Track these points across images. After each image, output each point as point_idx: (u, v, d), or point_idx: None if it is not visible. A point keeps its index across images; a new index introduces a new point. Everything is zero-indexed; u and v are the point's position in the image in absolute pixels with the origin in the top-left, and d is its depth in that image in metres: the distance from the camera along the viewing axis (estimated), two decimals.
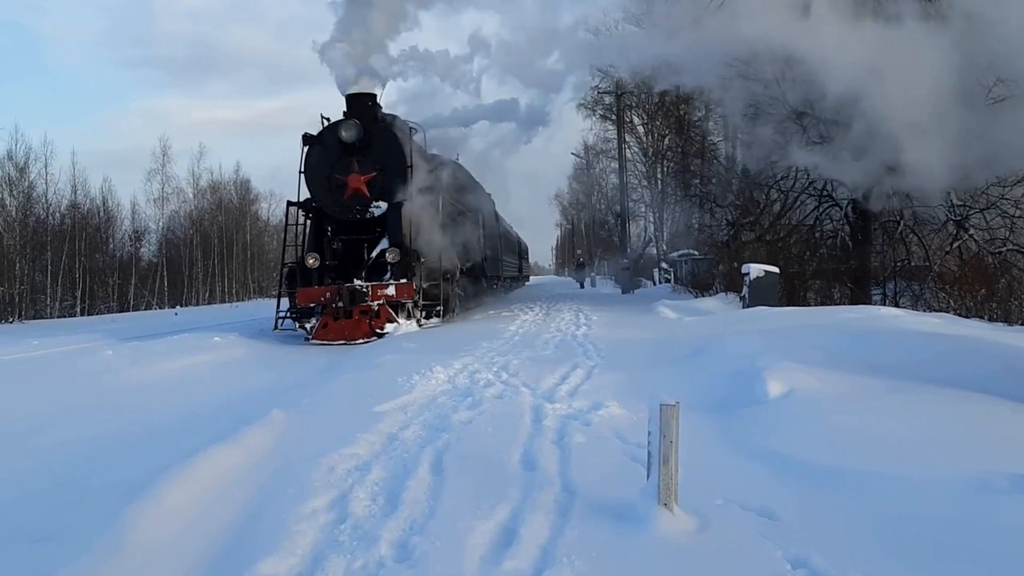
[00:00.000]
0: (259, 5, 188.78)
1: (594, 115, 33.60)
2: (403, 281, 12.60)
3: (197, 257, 40.90)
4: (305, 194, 13.50)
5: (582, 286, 40.01)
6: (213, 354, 10.36)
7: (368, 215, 13.09)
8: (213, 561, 3.11)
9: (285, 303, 13.19)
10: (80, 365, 9.28)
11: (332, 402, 6.14)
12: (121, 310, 32.71)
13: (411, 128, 13.87)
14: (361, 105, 13.15)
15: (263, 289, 45.67)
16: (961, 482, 3.44)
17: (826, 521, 3.32)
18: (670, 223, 32.44)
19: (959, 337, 6.96)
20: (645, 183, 34.24)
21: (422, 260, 13.20)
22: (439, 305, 13.95)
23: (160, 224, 38.71)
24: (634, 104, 31.26)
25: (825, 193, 15.12)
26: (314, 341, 12.20)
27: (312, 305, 12.51)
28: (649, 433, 3.33)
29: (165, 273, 37.52)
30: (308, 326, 12.60)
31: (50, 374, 8.88)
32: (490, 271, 22.10)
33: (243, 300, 42.22)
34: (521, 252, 40.13)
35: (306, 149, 13.29)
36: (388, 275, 12.84)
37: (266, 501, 3.73)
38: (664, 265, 28.88)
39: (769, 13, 9.83)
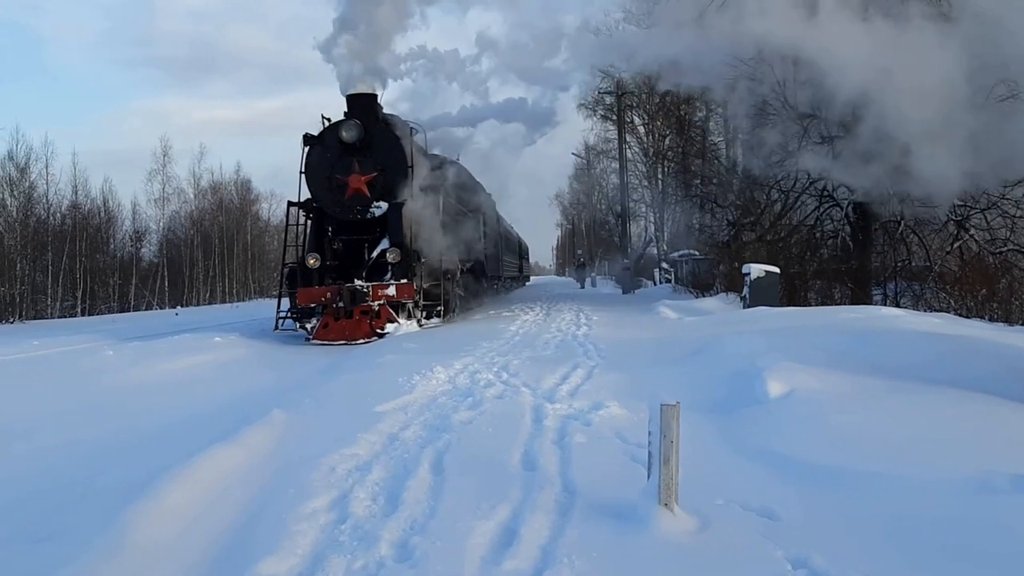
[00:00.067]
0: (260, 5, 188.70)
1: (595, 115, 33.66)
2: (404, 281, 12.60)
3: (198, 257, 40.91)
4: (306, 194, 13.52)
5: (582, 286, 39.99)
6: (214, 354, 10.36)
7: (369, 215, 13.10)
8: (214, 561, 3.12)
9: (286, 303, 13.19)
10: (81, 365, 9.29)
11: (333, 402, 6.14)
12: (122, 310, 32.71)
13: (412, 128, 13.88)
14: (362, 105, 13.15)
15: (264, 289, 45.66)
16: (962, 482, 3.44)
17: (827, 521, 3.32)
18: (671, 223, 32.43)
19: (960, 337, 6.95)
20: (646, 183, 34.23)
21: (423, 260, 13.20)
22: (439, 305, 13.95)
23: (161, 224, 38.76)
24: (635, 104, 31.27)
25: (826, 193, 15.11)
26: (315, 341, 12.20)
27: (313, 305, 12.52)
28: (650, 433, 3.33)
29: (166, 273, 37.53)
30: (309, 326, 12.60)
31: (51, 374, 8.88)
32: (491, 271, 22.10)
33: (244, 300, 42.20)
34: (521, 252, 40.14)
35: (307, 149, 13.30)
36: (389, 275, 12.85)
37: (267, 501, 3.73)
38: (665, 265, 28.87)
39: (776, 12, 9.76)
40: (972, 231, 13.74)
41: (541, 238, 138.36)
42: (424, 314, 13.39)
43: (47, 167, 30.95)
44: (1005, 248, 13.22)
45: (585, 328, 12.29)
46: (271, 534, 3.27)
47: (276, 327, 13.12)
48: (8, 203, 29.11)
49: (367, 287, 12.37)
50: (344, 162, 13.03)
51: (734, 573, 2.88)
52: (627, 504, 3.40)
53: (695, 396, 5.77)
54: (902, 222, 14.34)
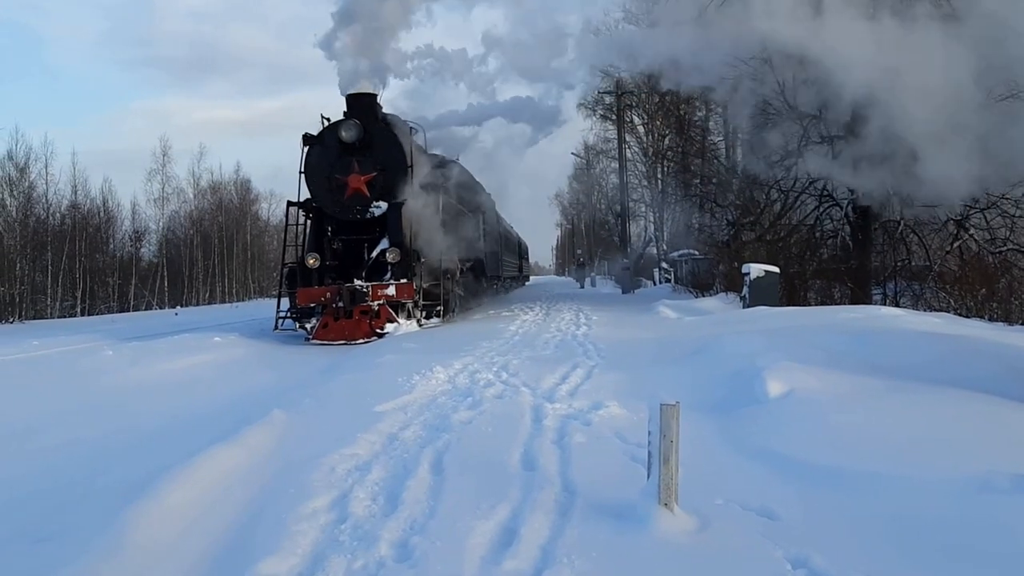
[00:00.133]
0: (260, 5, 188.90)
1: (594, 115, 33.64)
2: (403, 281, 12.60)
3: (197, 257, 40.91)
4: (305, 194, 13.52)
5: (582, 286, 40.01)
6: (214, 354, 10.36)
7: (368, 215, 13.10)
8: (214, 561, 3.12)
9: (285, 303, 13.19)
10: (80, 365, 9.29)
11: (332, 402, 6.14)
12: (121, 310, 32.71)
13: (411, 128, 13.88)
14: (361, 105, 13.14)
15: (263, 289, 45.67)
16: (962, 482, 3.44)
17: (827, 521, 3.32)
18: (670, 223, 32.43)
19: (960, 337, 6.95)
20: (645, 183, 34.23)
21: (422, 260, 13.20)
22: (439, 305, 13.96)
23: (160, 224, 38.76)
24: (634, 104, 31.27)
25: (825, 193, 15.11)
26: (314, 341, 12.20)
27: (312, 305, 12.52)
28: (649, 433, 3.33)
29: (165, 273, 37.53)
30: (308, 326, 12.59)
31: (51, 374, 8.88)
32: (490, 271, 22.09)
33: (243, 300, 42.22)
34: (521, 252, 40.14)
35: (306, 149, 13.30)
36: (388, 275, 12.84)
37: (267, 501, 3.73)
38: (664, 265, 28.86)
39: (781, 9, 9.69)
40: (972, 231, 13.74)
41: (541, 238, 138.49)
42: (424, 314, 13.39)
43: (47, 167, 31.01)
44: (1005, 248, 13.22)
45: (585, 328, 12.30)
46: (271, 534, 3.27)
47: (276, 327, 13.12)
48: (8, 203, 29.15)
49: (367, 287, 12.37)
50: (344, 162, 13.02)
51: (734, 573, 2.88)
52: (627, 504, 3.40)
53: (695, 396, 5.77)
54: (902, 222, 14.35)
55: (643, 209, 37.03)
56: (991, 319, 10.43)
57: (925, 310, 11.56)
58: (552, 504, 3.54)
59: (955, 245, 13.77)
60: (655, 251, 33.80)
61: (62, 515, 3.81)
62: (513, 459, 4.36)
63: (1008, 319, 10.40)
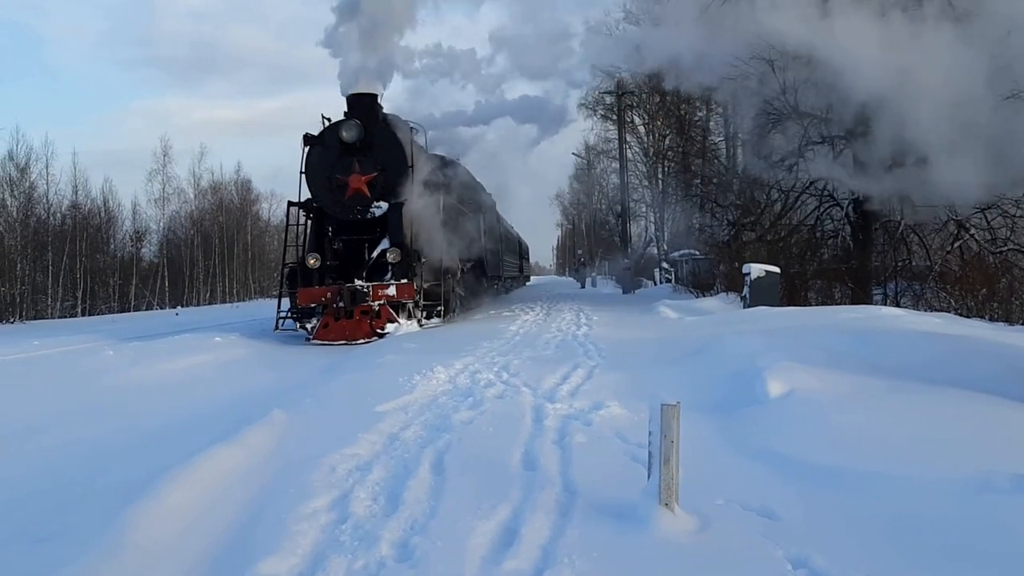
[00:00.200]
0: (260, 5, 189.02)
1: (595, 115, 33.67)
2: (404, 281, 12.60)
3: (198, 257, 40.91)
4: (306, 194, 13.52)
5: (583, 286, 39.97)
6: (214, 354, 10.36)
7: (369, 215, 13.10)
8: (214, 561, 3.11)
9: (286, 303, 13.19)
10: (81, 365, 9.29)
11: (333, 402, 6.14)
12: (122, 310, 32.72)
13: (412, 128, 13.88)
14: (362, 105, 13.15)
15: (264, 289, 45.68)
16: (962, 482, 3.43)
17: (827, 521, 3.32)
18: (671, 223, 32.43)
19: (960, 337, 6.95)
20: (646, 183, 34.25)
21: (423, 260, 13.21)
22: (440, 305, 13.96)
23: (161, 224, 38.77)
24: (635, 104, 31.27)
25: (826, 193, 15.11)
26: (315, 341, 12.20)
27: (313, 305, 12.52)
28: (650, 433, 3.33)
29: (166, 273, 37.54)
30: (309, 326, 12.60)
31: (51, 375, 8.88)
32: (491, 271, 22.09)
33: (244, 300, 42.22)
34: (522, 252, 40.13)
35: (307, 149, 13.30)
36: (389, 275, 12.85)
37: (267, 501, 3.73)
38: (665, 265, 28.84)
39: (789, 7, 9.59)
40: (972, 230, 13.73)
41: (541, 238, 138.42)
42: (424, 314, 13.39)
43: (47, 167, 31.01)
44: (1005, 247, 13.21)
45: (585, 328, 12.29)
46: (271, 534, 3.27)
47: (276, 327, 13.12)
48: (8, 203, 29.15)
49: (367, 287, 12.37)
50: (344, 162, 13.03)
51: (734, 573, 2.88)
52: (627, 504, 3.40)
53: (695, 396, 5.77)
54: (902, 222, 14.34)
55: (644, 209, 37.09)
56: (992, 319, 10.42)
57: (926, 310, 11.56)
58: (553, 504, 3.54)
59: (956, 245, 13.76)
60: (656, 251, 33.80)
61: (62, 515, 3.81)
62: (514, 459, 4.36)
63: (1009, 319, 10.40)
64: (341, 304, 12.15)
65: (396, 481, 3.97)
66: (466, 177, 17.49)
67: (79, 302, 31.20)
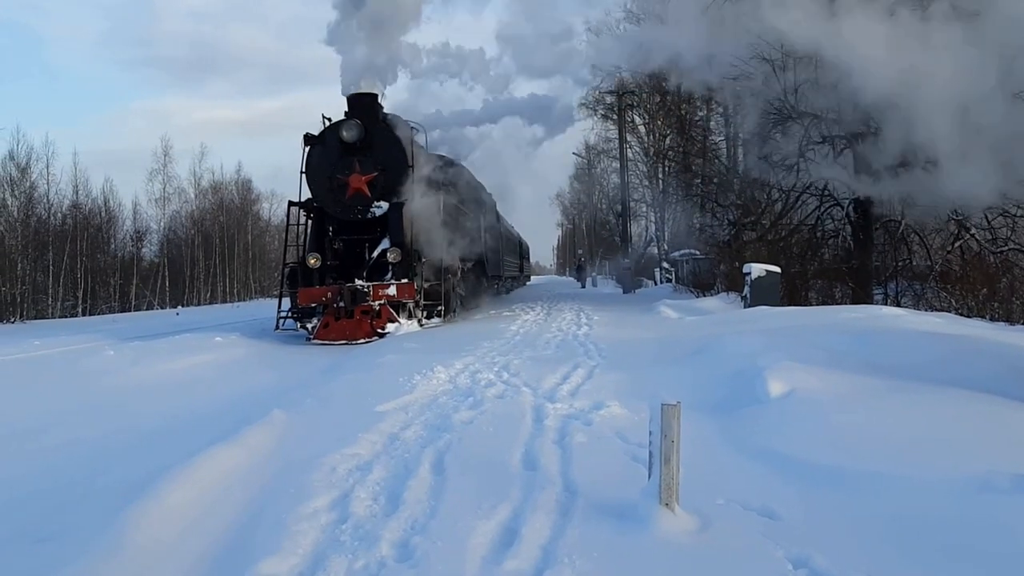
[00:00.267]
0: (260, 5, 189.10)
1: (595, 115, 33.63)
2: (404, 281, 12.61)
3: (199, 257, 40.94)
4: (306, 194, 13.53)
5: (583, 286, 39.97)
6: (214, 354, 10.36)
7: (369, 215, 13.10)
8: (214, 561, 3.11)
9: (287, 303, 13.19)
10: (82, 365, 9.29)
11: (333, 402, 6.14)
12: (123, 310, 32.74)
13: (413, 127, 13.88)
14: (362, 105, 13.15)
15: (264, 289, 45.71)
16: (963, 482, 3.43)
17: (828, 521, 3.32)
18: (671, 223, 32.42)
19: (961, 337, 6.94)
20: (646, 183, 34.24)
21: (423, 260, 13.21)
22: (440, 305, 13.96)
23: (161, 224, 38.83)
24: (635, 103, 31.26)
25: (827, 193, 15.10)
26: (315, 341, 12.20)
27: (313, 305, 12.52)
28: (650, 433, 3.32)
29: (167, 273, 37.57)
30: (309, 326, 12.60)
31: (51, 374, 8.89)
32: (491, 271, 22.08)
33: (244, 300, 42.24)
34: (522, 252, 40.11)
35: (307, 149, 13.30)
36: (389, 275, 12.85)
37: (267, 501, 3.73)
38: (665, 265, 28.84)
39: (795, 5, 9.50)
40: (973, 230, 13.72)
41: (541, 238, 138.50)
42: (425, 314, 13.39)
43: (48, 167, 31.08)
44: (1006, 247, 13.21)
45: (586, 328, 12.29)
46: (272, 534, 3.27)
47: (277, 327, 13.12)
48: (9, 203, 29.18)
49: (368, 287, 12.37)
50: (345, 162, 13.03)
51: (735, 573, 2.87)
52: (628, 504, 3.39)
53: (696, 396, 5.76)
54: (903, 222, 14.33)
55: (644, 209, 37.09)
56: (992, 319, 10.41)
57: (926, 310, 11.55)
58: (553, 504, 3.54)
59: (956, 245, 13.76)
60: (656, 251, 33.79)
61: (62, 515, 3.81)
62: (514, 459, 4.36)
63: (1009, 319, 10.38)
64: (341, 304, 12.15)
65: (396, 481, 3.97)
66: (467, 177, 17.49)
67: (80, 302, 31.22)
